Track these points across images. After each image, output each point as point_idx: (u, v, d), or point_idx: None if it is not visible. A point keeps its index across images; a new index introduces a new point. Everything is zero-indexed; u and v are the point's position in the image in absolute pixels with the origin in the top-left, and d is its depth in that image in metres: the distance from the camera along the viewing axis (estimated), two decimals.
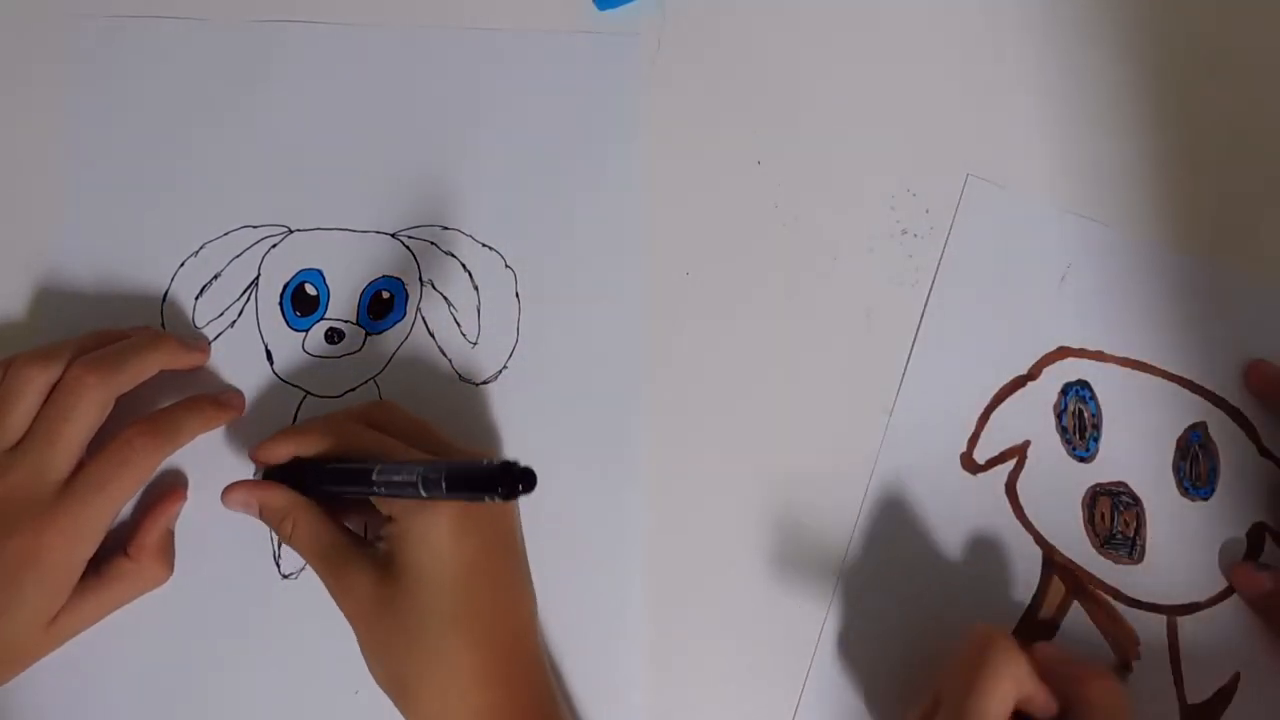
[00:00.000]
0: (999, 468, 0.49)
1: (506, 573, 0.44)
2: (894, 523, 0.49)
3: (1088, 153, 0.52)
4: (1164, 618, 0.49)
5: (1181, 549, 0.50)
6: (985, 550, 0.49)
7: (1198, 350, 0.51)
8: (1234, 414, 0.51)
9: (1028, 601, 0.49)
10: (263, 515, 0.44)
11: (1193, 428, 0.50)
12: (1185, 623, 0.49)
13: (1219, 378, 0.51)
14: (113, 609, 0.43)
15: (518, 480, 0.35)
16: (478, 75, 0.50)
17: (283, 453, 0.44)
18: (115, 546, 0.44)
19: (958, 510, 0.49)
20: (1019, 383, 0.50)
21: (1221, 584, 0.50)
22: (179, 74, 0.49)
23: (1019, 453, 0.50)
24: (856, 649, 0.48)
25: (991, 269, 0.51)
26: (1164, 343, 0.51)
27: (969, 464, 0.49)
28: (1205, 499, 0.50)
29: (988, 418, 0.50)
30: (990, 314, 0.50)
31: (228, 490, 0.44)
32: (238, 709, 0.46)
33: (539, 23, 0.51)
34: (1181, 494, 0.50)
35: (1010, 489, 0.49)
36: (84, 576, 0.42)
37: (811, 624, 0.48)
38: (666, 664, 0.47)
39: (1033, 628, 0.48)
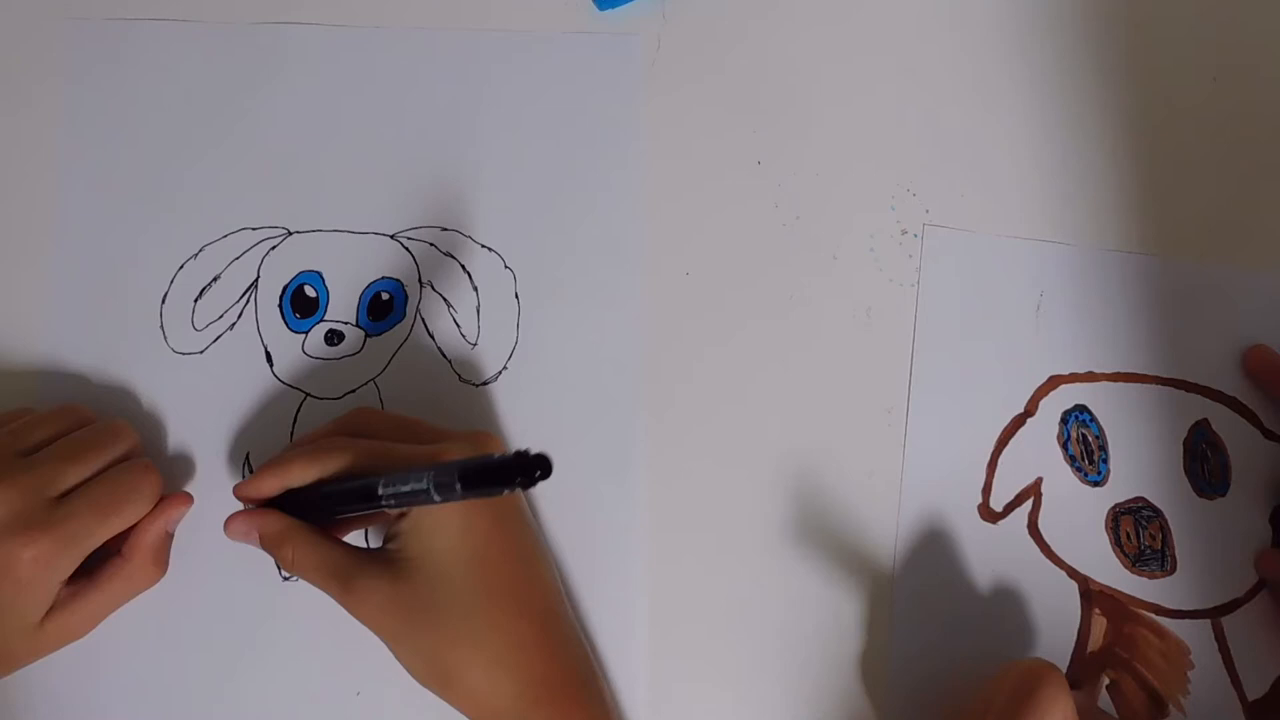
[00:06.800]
0: (1017, 511, 0.49)
1: (524, 545, 0.44)
2: (919, 583, 0.48)
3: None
4: (1208, 622, 0.49)
5: (1210, 550, 0.49)
6: (1019, 594, 0.48)
7: (1183, 349, 0.51)
8: (1232, 404, 0.51)
9: (1072, 638, 0.48)
10: (262, 544, 0.43)
11: (1195, 427, 0.50)
12: (1230, 622, 0.49)
13: (1210, 372, 0.51)
14: (109, 610, 0.43)
15: (535, 468, 0.34)
16: (477, 76, 0.50)
17: (268, 488, 0.43)
18: (110, 546, 0.43)
19: (985, 561, 0.48)
20: (1019, 421, 0.50)
21: (1256, 576, 0.49)
22: (178, 76, 0.49)
23: (1033, 491, 0.49)
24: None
25: (967, 313, 0.50)
26: (1149, 349, 0.50)
27: (987, 514, 0.49)
28: (1223, 495, 0.50)
29: (995, 464, 0.49)
30: (975, 359, 0.50)
31: (228, 523, 0.43)
32: (239, 711, 0.45)
33: (539, 23, 0.51)
34: (1199, 495, 0.50)
35: (1033, 529, 0.49)
36: (76, 578, 0.41)
37: (817, 631, 0.48)
38: (669, 664, 0.47)
39: (1084, 663, 0.48)
